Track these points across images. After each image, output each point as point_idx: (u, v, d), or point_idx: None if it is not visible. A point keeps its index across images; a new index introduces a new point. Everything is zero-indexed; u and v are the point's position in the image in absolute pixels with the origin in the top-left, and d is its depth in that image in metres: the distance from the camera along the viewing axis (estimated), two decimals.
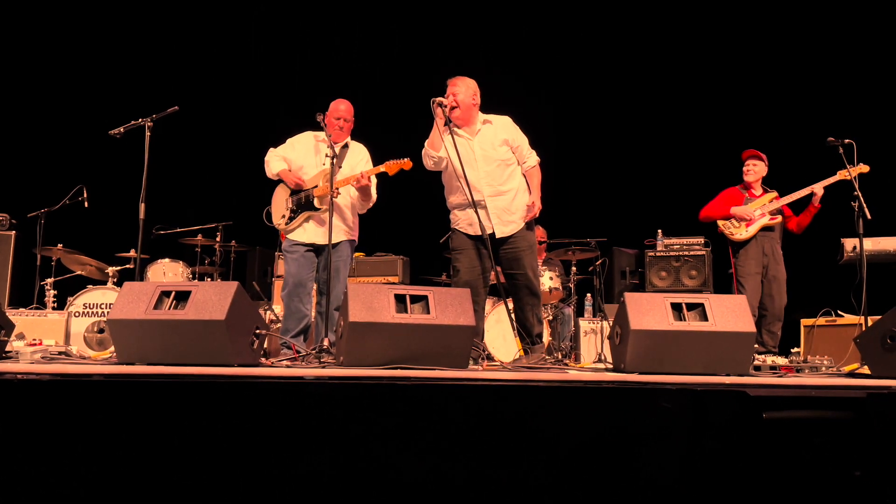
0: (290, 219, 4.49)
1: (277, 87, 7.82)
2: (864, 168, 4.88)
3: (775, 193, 5.23)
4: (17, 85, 7.44)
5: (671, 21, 7.68)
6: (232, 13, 7.89)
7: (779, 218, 5.15)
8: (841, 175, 4.94)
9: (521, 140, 4.18)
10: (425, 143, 4.10)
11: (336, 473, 2.21)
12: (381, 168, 4.39)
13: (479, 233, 3.90)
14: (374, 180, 4.55)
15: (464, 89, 4.07)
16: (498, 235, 4.03)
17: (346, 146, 4.58)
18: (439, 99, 3.98)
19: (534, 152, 4.23)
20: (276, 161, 4.56)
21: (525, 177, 4.20)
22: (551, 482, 2.25)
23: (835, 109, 6.85)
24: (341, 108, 4.53)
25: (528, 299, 4.09)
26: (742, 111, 7.34)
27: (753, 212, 5.14)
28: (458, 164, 3.91)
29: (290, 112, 5.72)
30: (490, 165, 4.06)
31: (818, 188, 5.03)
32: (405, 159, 4.35)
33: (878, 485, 2.25)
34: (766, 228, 5.14)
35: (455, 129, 4.05)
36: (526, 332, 4.08)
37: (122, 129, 4.38)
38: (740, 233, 5.15)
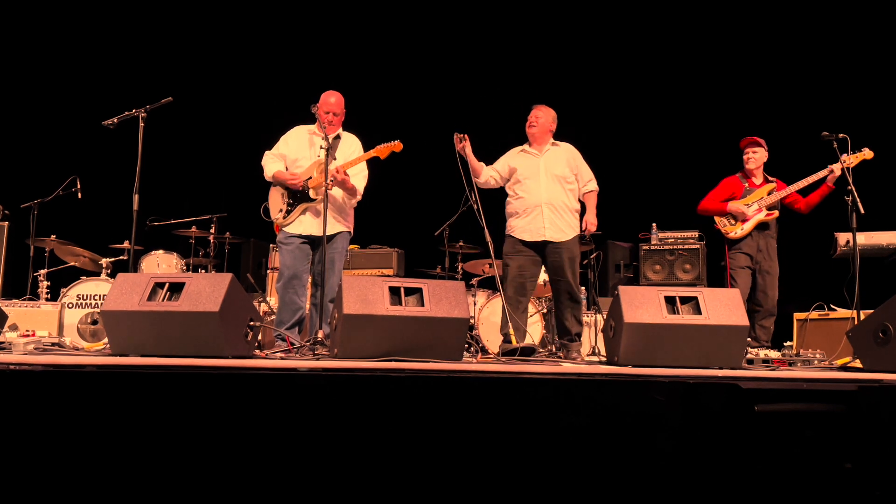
0: (288, 212, 4.48)
1: (272, 78, 7.79)
2: (868, 154, 4.82)
3: (774, 184, 5.20)
4: (11, 75, 7.39)
5: (665, 13, 7.68)
6: (227, 3, 7.85)
7: (775, 213, 5.12)
8: (847, 161, 4.82)
9: (582, 167, 4.78)
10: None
11: (329, 464, 2.22)
12: (373, 153, 4.39)
13: (531, 239, 4.59)
14: (365, 172, 4.54)
15: (544, 115, 4.79)
16: (548, 238, 4.59)
17: (338, 137, 4.58)
18: (456, 138, 4.61)
19: (594, 180, 4.80)
20: (271, 163, 4.55)
21: (583, 200, 4.80)
22: (544, 474, 2.26)
23: (829, 101, 6.87)
24: (331, 101, 4.51)
25: (567, 303, 4.62)
26: (737, 104, 7.34)
27: (749, 209, 5.13)
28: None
29: (285, 103, 5.69)
30: (551, 180, 4.66)
31: (837, 169, 4.89)
32: (395, 141, 4.36)
33: (868, 477, 2.26)
34: (761, 224, 5.13)
35: (526, 147, 4.81)
36: (564, 331, 4.62)
37: (115, 120, 4.37)
38: (735, 231, 5.14)
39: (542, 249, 4.63)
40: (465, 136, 4.62)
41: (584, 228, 4.70)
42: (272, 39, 7.93)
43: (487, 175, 4.77)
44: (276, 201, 4.57)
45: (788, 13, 7.33)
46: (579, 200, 4.79)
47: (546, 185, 4.65)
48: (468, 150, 4.62)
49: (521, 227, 4.65)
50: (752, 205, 5.15)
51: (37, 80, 7.47)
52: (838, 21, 7.14)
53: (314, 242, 4.45)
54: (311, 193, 4.41)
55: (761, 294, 5.08)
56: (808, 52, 7.23)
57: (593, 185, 4.80)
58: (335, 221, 4.46)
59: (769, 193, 5.15)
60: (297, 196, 4.46)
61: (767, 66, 7.42)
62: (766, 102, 7.32)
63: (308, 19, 7.97)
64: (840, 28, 7.14)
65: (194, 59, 7.71)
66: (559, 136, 4.85)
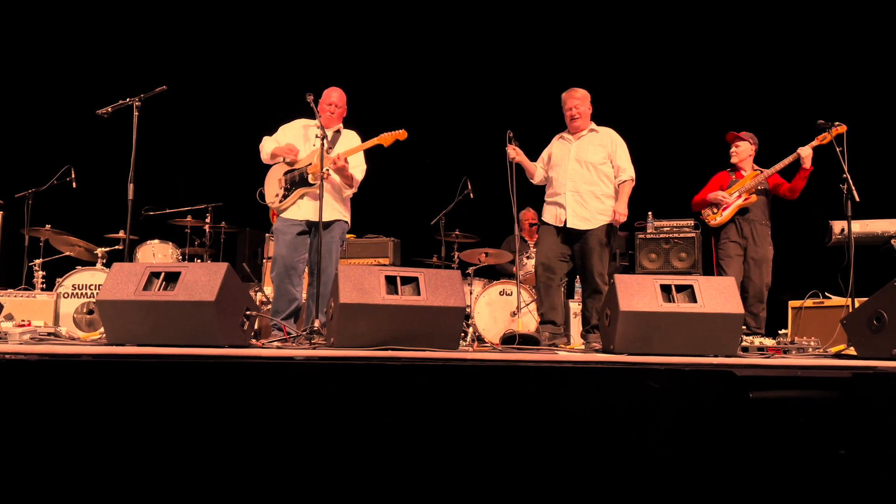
0: (285, 196, 4.47)
1: (268, 66, 7.75)
2: (841, 128, 4.82)
3: (759, 173, 5.21)
4: (4, 65, 7.34)
5: (660, 4, 7.65)
6: None
7: (754, 197, 5.12)
8: (818, 140, 4.91)
9: (619, 154, 4.67)
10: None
11: (325, 453, 2.22)
12: (376, 140, 4.40)
13: (553, 223, 4.61)
14: (363, 165, 4.54)
15: (581, 101, 4.72)
16: (569, 225, 4.55)
17: (337, 132, 4.58)
18: (509, 149, 4.66)
19: (629, 169, 4.68)
20: (269, 142, 4.55)
21: (617, 188, 4.67)
22: (541, 461, 2.27)
23: (824, 91, 6.86)
24: (333, 96, 4.58)
25: (589, 293, 4.60)
26: (732, 92, 7.32)
27: (727, 196, 5.15)
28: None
29: (281, 92, 5.68)
30: (579, 167, 4.61)
31: (805, 151, 4.97)
32: (400, 130, 4.37)
33: (861, 463, 2.28)
34: (744, 211, 5.14)
35: (564, 134, 4.79)
36: (586, 320, 4.60)
37: (109, 109, 4.35)
38: (716, 218, 5.17)
39: (566, 236, 4.60)
40: (514, 145, 4.66)
41: (613, 219, 4.59)
42: (268, 27, 7.88)
43: (540, 175, 4.82)
44: (272, 185, 4.57)
45: (784, 10, 7.31)
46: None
47: (572, 172, 4.61)
48: (522, 158, 4.71)
49: (548, 210, 4.71)
50: (734, 193, 5.17)
51: (30, 70, 7.42)
52: (832, 10, 7.12)
53: (312, 229, 4.44)
54: (311, 178, 4.40)
55: (748, 281, 5.09)
56: (804, 43, 7.20)
57: (625, 176, 4.66)
58: (333, 209, 4.45)
59: (752, 179, 5.18)
60: (295, 181, 4.46)
61: (763, 54, 7.40)
62: (761, 91, 7.30)
63: (306, 6, 7.92)
64: (834, 19, 7.12)
65: (189, 48, 7.65)
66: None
